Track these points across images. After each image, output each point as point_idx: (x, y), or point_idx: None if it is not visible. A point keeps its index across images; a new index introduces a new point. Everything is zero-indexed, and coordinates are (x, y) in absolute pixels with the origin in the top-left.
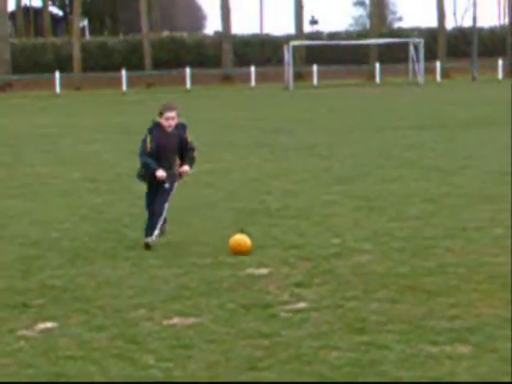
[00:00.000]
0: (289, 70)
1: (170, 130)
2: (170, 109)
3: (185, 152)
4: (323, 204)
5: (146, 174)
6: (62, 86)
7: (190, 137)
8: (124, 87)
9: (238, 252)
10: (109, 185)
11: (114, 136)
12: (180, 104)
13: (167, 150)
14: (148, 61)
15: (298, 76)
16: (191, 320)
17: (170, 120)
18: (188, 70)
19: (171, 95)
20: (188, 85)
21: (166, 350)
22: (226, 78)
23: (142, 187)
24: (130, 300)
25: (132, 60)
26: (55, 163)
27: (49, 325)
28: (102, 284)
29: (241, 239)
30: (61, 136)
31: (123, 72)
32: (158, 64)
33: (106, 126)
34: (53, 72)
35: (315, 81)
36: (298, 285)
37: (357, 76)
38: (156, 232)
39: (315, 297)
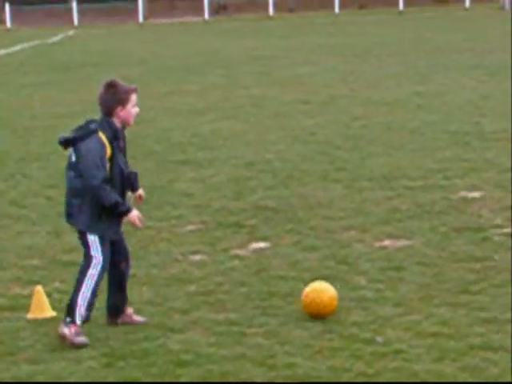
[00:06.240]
0: None
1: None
2: (136, 89)
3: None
4: None
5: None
6: (276, 8)
7: None
8: (336, 9)
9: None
10: (322, 107)
11: (326, 58)
12: (392, 26)
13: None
14: None
15: None
16: (402, 242)
17: (136, 108)
18: None
19: (383, 17)
20: (401, 6)
21: (377, 272)
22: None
23: (357, 109)
24: (342, 221)
25: None
26: (268, 85)
27: (261, 245)
28: (314, 205)
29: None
30: (274, 58)
31: None
32: None
33: (319, 47)
34: None
35: None
36: None
37: None
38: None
39: None
